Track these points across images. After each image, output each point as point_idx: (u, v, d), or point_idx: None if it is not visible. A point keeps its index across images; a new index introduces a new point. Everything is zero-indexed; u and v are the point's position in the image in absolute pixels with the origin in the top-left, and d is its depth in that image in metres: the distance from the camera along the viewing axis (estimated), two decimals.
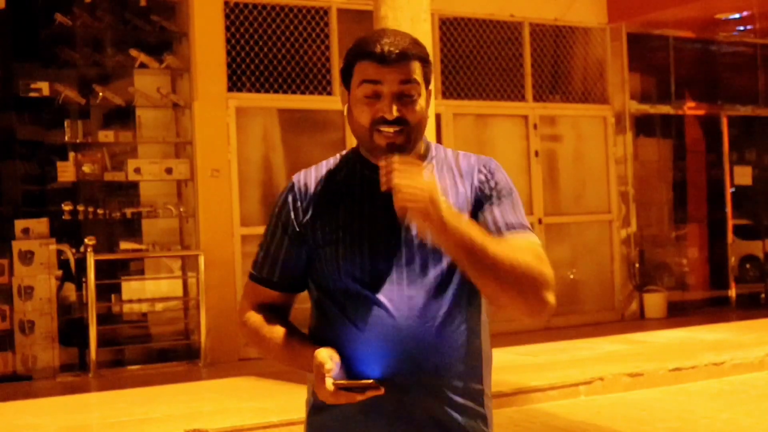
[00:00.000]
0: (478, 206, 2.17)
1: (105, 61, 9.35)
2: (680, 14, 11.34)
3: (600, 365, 8.08)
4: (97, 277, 8.40)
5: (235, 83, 9.35)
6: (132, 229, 9.41)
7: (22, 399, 7.53)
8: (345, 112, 2.23)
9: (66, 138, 8.96)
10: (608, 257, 11.50)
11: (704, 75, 12.86)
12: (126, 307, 9.34)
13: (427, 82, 2.19)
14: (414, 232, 2.13)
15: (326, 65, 9.81)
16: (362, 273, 2.13)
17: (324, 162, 2.29)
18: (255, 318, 2.25)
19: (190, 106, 9.19)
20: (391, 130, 2.11)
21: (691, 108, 12.71)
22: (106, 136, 9.10)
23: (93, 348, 8.37)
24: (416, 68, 2.14)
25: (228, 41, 9.31)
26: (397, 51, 2.11)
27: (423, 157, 2.22)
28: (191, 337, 9.12)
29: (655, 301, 11.56)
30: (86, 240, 8.46)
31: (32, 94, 8.88)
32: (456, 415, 2.13)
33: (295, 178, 2.28)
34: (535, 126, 11.03)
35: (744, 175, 13.24)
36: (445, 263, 2.12)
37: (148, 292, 9.42)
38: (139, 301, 9.33)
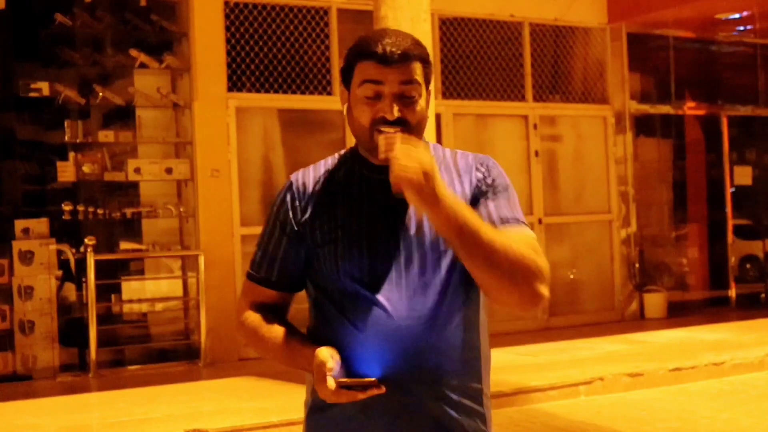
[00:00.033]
0: (475, 203, 2.16)
1: (105, 61, 9.34)
2: (680, 14, 11.33)
3: (600, 365, 8.07)
4: (97, 277, 8.41)
5: (235, 83, 9.35)
6: (132, 229, 9.41)
7: (22, 399, 7.53)
8: (344, 112, 2.22)
9: (66, 138, 8.96)
10: (608, 257, 11.49)
11: (704, 75, 12.86)
12: (126, 307, 9.34)
13: (428, 82, 2.19)
14: (413, 231, 2.13)
15: (326, 65, 9.80)
16: (361, 273, 2.12)
17: (322, 161, 2.29)
18: (253, 318, 2.24)
19: (190, 106, 9.19)
20: (392, 130, 2.10)
21: (691, 108, 12.71)
22: (106, 136, 9.10)
23: (93, 348, 8.37)
24: (417, 69, 2.14)
25: (228, 41, 9.30)
26: (398, 52, 2.11)
27: None
28: (191, 337, 9.12)
29: (655, 301, 11.55)
30: (86, 240, 8.46)
31: (32, 94, 8.88)
32: (455, 414, 2.12)
33: (293, 177, 2.27)
34: (535, 126, 11.03)
35: (744, 175, 13.24)
36: (444, 263, 2.12)
37: (148, 292, 9.43)
38: (139, 301, 9.33)
